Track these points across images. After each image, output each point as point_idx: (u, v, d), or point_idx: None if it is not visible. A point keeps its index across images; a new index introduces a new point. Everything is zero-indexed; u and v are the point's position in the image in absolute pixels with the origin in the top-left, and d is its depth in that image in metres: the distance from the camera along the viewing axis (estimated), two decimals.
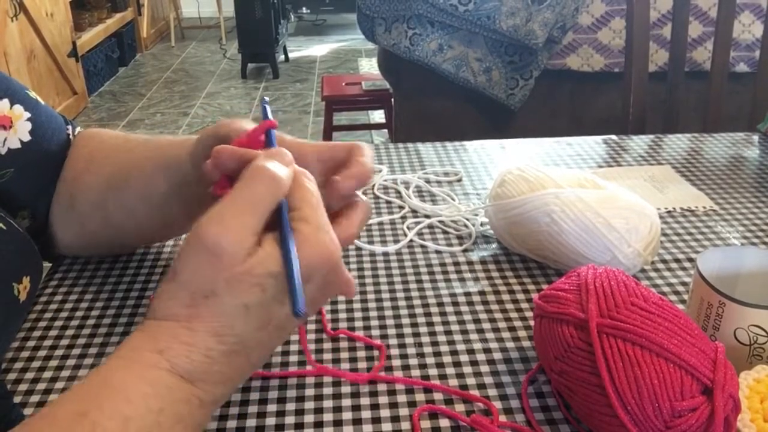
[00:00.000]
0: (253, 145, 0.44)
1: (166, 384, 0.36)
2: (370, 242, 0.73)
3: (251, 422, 0.49)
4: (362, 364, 0.55)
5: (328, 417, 0.49)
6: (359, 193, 0.47)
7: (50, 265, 0.69)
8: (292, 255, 0.38)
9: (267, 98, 0.49)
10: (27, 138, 0.60)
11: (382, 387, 0.52)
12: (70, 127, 0.66)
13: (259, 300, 0.38)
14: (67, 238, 0.66)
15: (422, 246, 0.72)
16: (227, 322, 0.37)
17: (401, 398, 0.51)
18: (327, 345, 0.57)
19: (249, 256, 0.37)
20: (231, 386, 0.40)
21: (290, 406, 0.50)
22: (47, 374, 0.54)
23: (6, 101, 0.59)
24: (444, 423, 0.49)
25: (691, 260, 0.69)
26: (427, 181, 0.86)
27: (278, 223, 0.39)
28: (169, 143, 0.60)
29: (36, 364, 0.55)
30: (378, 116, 3.29)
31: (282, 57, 4.40)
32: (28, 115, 0.60)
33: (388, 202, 0.81)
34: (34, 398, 0.51)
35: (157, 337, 0.37)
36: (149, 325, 0.38)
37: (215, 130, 0.51)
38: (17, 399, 0.51)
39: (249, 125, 0.48)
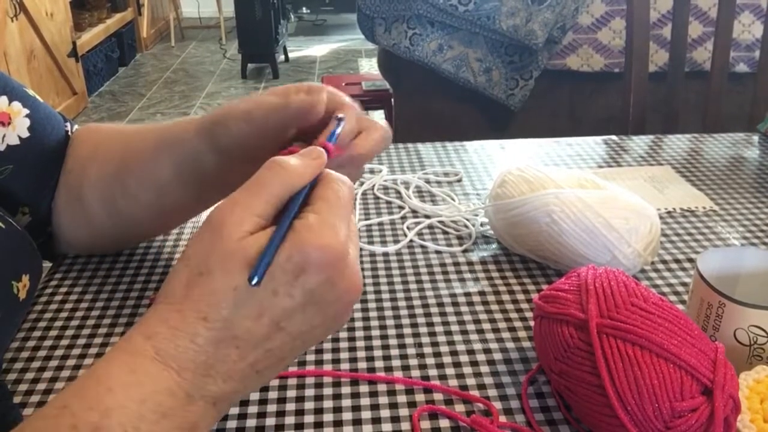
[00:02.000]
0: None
1: (148, 371, 0.35)
2: (370, 242, 0.73)
3: (251, 422, 0.49)
4: (362, 364, 0.55)
5: (328, 417, 0.49)
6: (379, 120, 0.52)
7: (51, 264, 0.69)
8: (279, 230, 0.36)
9: (343, 117, 0.48)
10: (26, 134, 0.60)
11: (382, 387, 0.52)
12: (68, 124, 0.67)
13: (248, 283, 0.36)
14: (74, 233, 0.66)
15: (422, 246, 0.72)
16: (215, 304, 0.35)
17: (401, 398, 0.51)
18: (327, 345, 0.57)
19: (248, 236, 0.36)
20: (228, 387, 0.37)
21: (290, 406, 0.50)
22: (47, 374, 0.54)
23: (4, 98, 0.59)
24: (444, 423, 0.49)
25: (691, 260, 0.69)
26: (427, 182, 0.86)
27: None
28: (171, 124, 0.60)
29: (36, 364, 0.55)
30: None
31: (282, 57, 4.40)
32: (26, 111, 0.61)
33: (388, 202, 0.81)
34: (34, 398, 0.51)
35: (149, 322, 0.36)
36: (149, 312, 0.37)
37: (246, 115, 0.52)
38: (17, 399, 0.51)
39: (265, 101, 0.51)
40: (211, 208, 0.41)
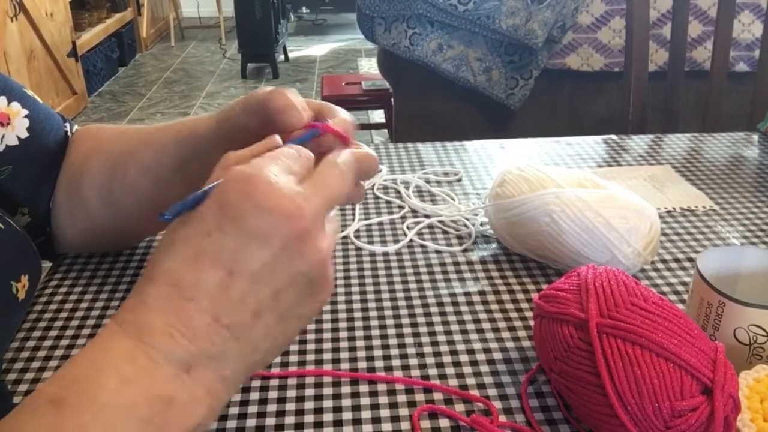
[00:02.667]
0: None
1: (106, 342, 0.34)
2: (370, 242, 0.73)
3: (251, 422, 0.49)
4: (362, 364, 0.55)
5: (328, 417, 0.49)
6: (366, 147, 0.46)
7: (51, 264, 0.69)
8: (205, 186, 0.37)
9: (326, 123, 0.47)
10: (25, 135, 0.60)
11: (382, 387, 0.52)
12: (68, 124, 0.67)
13: (181, 229, 0.36)
14: (71, 231, 0.65)
15: (422, 246, 0.72)
16: (157, 260, 0.36)
17: (401, 398, 0.51)
18: (327, 345, 0.57)
19: None
20: (192, 346, 0.34)
21: (290, 406, 0.50)
22: (47, 374, 0.54)
23: (4, 98, 0.59)
24: (444, 423, 0.49)
25: (691, 260, 0.69)
26: (427, 181, 0.86)
27: None
28: (182, 119, 0.60)
29: (36, 364, 0.55)
30: (378, 116, 3.29)
31: (282, 57, 4.40)
32: (25, 112, 0.61)
33: (387, 202, 0.81)
34: None
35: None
36: None
37: (264, 102, 0.48)
38: (17, 399, 0.51)
39: (294, 98, 0.48)
40: None
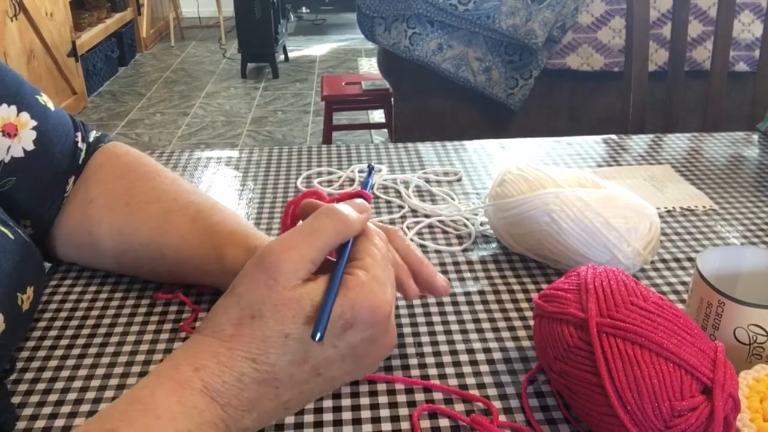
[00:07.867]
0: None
1: (195, 404, 0.36)
2: None
3: None
4: None
5: (327, 417, 0.49)
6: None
7: (50, 264, 0.69)
8: (334, 286, 0.38)
9: (374, 166, 0.51)
10: (31, 147, 0.59)
11: (381, 387, 0.52)
12: (79, 133, 0.64)
13: (299, 332, 0.38)
14: (74, 256, 0.66)
15: (422, 246, 0.72)
16: (265, 349, 0.38)
17: (401, 398, 0.51)
18: None
19: (301, 285, 0.38)
20: (258, 420, 0.39)
21: None
22: (47, 374, 0.54)
23: (13, 108, 0.58)
24: (444, 423, 0.49)
25: (690, 260, 0.69)
26: (427, 181, 0.86)
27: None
28: (218, 231, 0.58)
29: (36, 364, 0.55)
30: (378, 116, 3.29)
31: (282, 57, 4.40)
32: (34, 123, 0.59)
33: (387, 201, 0.81)
34: (34, 398, 0.51)
35: (197, 353, 0.38)
36: (195, 341, 0.39)
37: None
38: (17, 399, 0.51)
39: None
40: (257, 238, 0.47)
